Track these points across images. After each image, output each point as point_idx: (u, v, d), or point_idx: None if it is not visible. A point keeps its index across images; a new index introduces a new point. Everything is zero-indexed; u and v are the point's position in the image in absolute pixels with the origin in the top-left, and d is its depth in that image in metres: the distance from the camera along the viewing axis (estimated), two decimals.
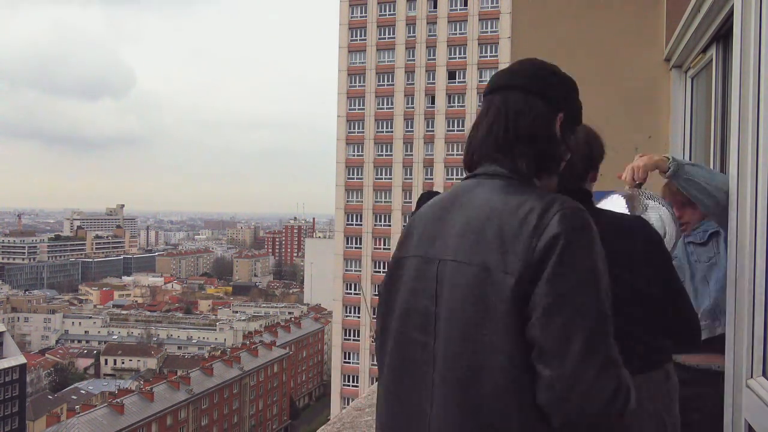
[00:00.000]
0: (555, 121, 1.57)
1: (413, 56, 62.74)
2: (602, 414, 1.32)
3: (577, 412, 1.33)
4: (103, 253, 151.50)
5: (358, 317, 59.96)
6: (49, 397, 63.17)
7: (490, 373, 1.38)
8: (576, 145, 1.70)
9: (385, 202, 62.16)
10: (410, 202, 61.49)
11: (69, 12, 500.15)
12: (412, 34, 62.86)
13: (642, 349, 1.88)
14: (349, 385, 59.22)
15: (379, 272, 62.03)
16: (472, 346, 1.41)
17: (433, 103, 61.90)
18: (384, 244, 61.75)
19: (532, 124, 1.54)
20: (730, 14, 2.73)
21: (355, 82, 64.35)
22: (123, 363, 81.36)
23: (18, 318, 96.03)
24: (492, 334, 1.38)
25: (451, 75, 61.76)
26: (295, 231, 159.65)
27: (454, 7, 61.95)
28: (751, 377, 2.20)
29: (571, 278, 1.36)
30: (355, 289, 59.93)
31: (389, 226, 61.74)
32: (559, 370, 1.32)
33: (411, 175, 61.82)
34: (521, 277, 1.37)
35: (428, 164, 61.66)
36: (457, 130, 61.10)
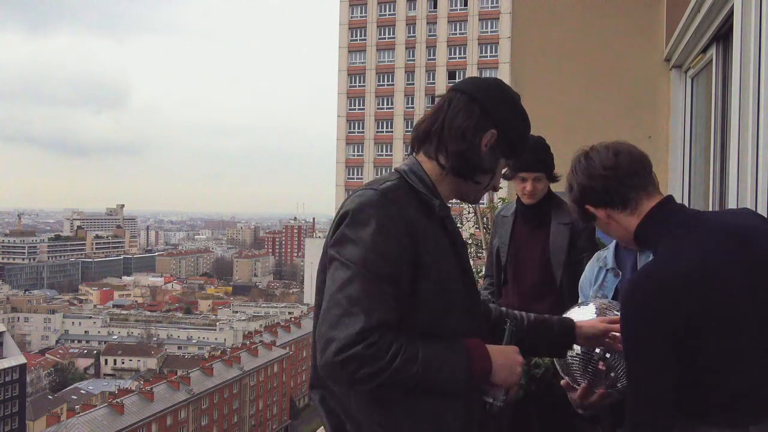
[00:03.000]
0: (484, 133, 1.66)
1: (413, 56, 62.71)
2: (337, 363, 1.44)
3: (320, 360, 1.48)
4: (103, 253, 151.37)
5: None
6: (49, 397, 63.04)
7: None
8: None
9: None
10: None
11: (69, 29, 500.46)
12: (412, 34, 62.83)
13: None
14: None
15: None
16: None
17: (433, 103, 61.73)
18: None
19: (460, 125, 1.65)
20: (730, 14, 2.73)
21: (355, 82, 64.33)
22: (123, 363, 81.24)
23: (18, 318, 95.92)
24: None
25: (451, 75, 61.70)
26: (295, 231, 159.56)
27: (454, 7, 61.93)
28: None
29: (345, 245, 1.53)
30: None
31: None
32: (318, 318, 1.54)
33: None
34: (326, 258, 1.60)
35: None
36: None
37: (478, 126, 1.65)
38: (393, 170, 1.72)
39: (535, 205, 3.45)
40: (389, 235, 1.51)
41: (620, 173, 1.78)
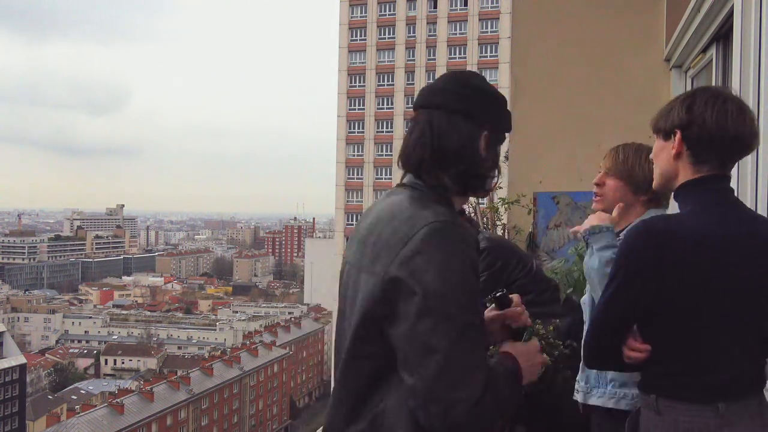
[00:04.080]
0: (479, 139, 1.60)
1: (413, 56, 62.71)
2: (465, 423, 1.39)
3: (439, 421, 1.40)
4: (103, 253, 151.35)
5: None
6: (49, 397, 63.01)
7: (360, 364, 1.54)
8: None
9: None
10: None
11: (69, 36, 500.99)
12: (412, 34, 62.84)
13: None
14: None
15: None
16: (346, 337, 1.57)
17: None
18: None
19: (455, 145, 1.58)
20: (730, 14, 2.73)
21: (355, 82, 64.34)
22: (123, 363, 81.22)
23: (18, 318, 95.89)
24: (361, 329, 1.52)
25: None
26: (295, 231, 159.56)
27: (454, 7, 61.94)
28: None
29: (430, 291, 1.41)
30: None
31: None
32: (420, 381, 1.41)
33: None
34: (383, 283, 1.47)
35: None
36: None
37: (472, 136, 1.59)
38: (410, 191, 1.61)
39: None
40: (473, 270, 1.48)
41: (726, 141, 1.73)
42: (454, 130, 1.59)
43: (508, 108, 1.70)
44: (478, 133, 1.60)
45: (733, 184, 2.44)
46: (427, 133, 1.61)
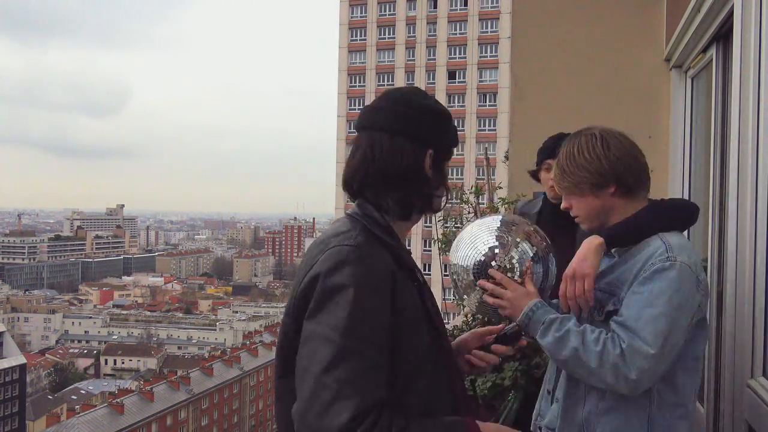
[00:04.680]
0: (424, 159, 1.56)
1: (413, 56, 62.71)
2: None
3: None
4: (103, 253, 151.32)
5: None
6: (49, 397, 63.03)
7: (282, 391, 1.54)
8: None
9: None
10: None
11: (70, 41, 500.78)
12: (412, 34, 62.83)
13: None
14: None
15: None
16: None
17: None
18: None
19: (400, 168, 1.53)
20: (730, 14, 2.73)
21: (355, 82, 64.35)
22: (123, 363, 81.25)
23: (18, 318, 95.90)
24: (280, 348, 1.56)
25: (451, 75, 61.71)
26: (295, 231, 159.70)
27: (454, 7, 61.93)
28: (752, 377, 2.20)
29: (317, 314, 1.40)
30: None
31: None
32: (296, 405, 1.40)
33: None
34: (292, 307, 1.49)
35: None
36: (458, 130, 61.11)
37: (415, 157, 1.54)
38: (346, 218, 1.57)
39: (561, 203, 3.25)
40: (371, 296, 1.39)
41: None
42: (397, 153, 1.53)
43: (454, 124, 1.67)
44: (423, 153, 1.55)
45: (733, 184, 2.44)
46: (369, 156, 1.54)
